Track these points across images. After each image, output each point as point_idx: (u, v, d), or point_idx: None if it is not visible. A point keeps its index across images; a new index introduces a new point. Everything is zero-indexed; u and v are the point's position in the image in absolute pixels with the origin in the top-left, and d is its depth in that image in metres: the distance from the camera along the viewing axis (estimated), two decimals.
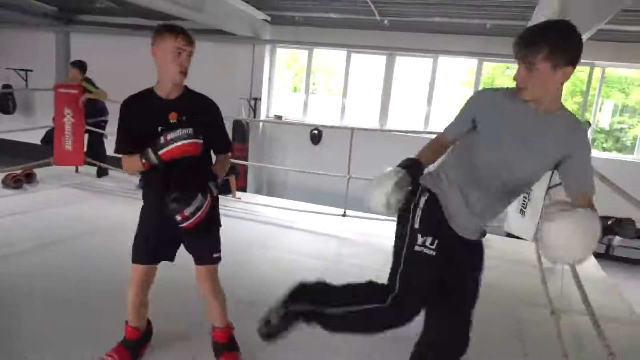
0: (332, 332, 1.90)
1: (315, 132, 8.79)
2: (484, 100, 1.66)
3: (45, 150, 5.94)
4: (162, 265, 2.14)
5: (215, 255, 2.09)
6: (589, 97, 8.06)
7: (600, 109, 8.30)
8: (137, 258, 2.06)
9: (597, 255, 4.73)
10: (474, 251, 1.79)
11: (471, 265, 1.78)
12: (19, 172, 5.15)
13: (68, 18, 9.89)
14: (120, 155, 2.01)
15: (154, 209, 2.03)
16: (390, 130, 8.29)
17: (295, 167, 8.15)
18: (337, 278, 3.41)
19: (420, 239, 1.68)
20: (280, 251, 3.91)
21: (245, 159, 8.29)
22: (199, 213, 1.89)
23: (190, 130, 1.83)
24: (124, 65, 9.11)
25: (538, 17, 6.08)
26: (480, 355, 2.41)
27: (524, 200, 3.16)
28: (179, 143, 1.81)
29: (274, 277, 3.31)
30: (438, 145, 1.83)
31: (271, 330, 1.93)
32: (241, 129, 8.61)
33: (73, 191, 5.23)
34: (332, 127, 8.27)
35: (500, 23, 7.14)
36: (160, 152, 1.83)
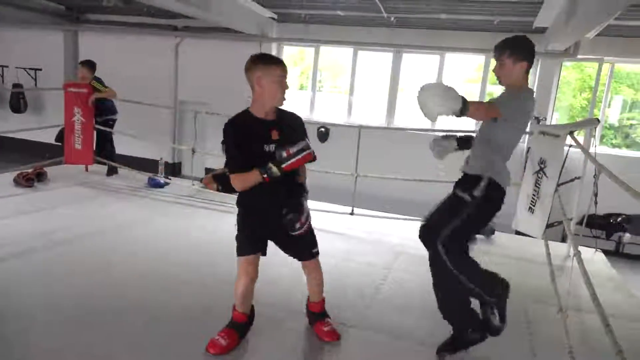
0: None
1: (322, 130, 8.79)
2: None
3: (57, 148, 6.00)
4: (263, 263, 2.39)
5: (314, 251, 2.46)
6: (598, 93, 7.99)
7: (610, 104, 8.23)
8: (242, 251, 2.33)
9: (607, 253, 4.71)
10: None
11: None
12: (30, 170, 5.22)
13: (76, 17, 9.96)
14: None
15: (259, 212, 2.31)
16: (397, 128, 8.27)
17: None
18: (346, 276, 3.44)
19: None
20: None
21: None
22: (310, 219, 2.28)
23: (306, 143, 2.17)
24: (132, 63, 9.17)
25: (545, 13, 6.05)
26: (488, 352, 2.42)
27: (533, 198, 3.15)
28: (300, 156, 2.13)
29: (280, 275, 3.34)
30: None
31: (494, 329, 2.28)
32: None
33: (83, 190, 5.28)
34: (339, 125, 8.27)
35: (507, 19, 7.09)
36: (284, 165, 2.12)
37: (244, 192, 2.30)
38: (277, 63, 2.19)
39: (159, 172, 5.98)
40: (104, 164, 5.92)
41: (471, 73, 8.98)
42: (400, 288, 3.29)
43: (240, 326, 2.42)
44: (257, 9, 7.97)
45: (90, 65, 5.79)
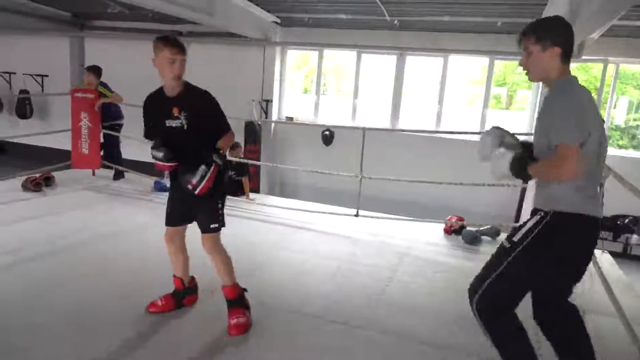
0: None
1: (327, 133, 8.81)
2: None
3: (64, 153, 6.06)
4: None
5: (212, 226, 2.48)
6: (604, 94, 7.96)
7: (615, 105, 8.19)
8: (165, 222, 2.63)
9: (615, 254, 4.68)
10: None
11: None
12: (38, 175, 5.27)
13: (82, 24, 10.06)
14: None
15: (172, 187, 2.66)
16: (401, 130, 8.27)
17: (308, 168, 8.19)
18: (351, 278, 3.44)
19: None
20: (293, 252, 3.94)
21: (258, 160, 8.35)
22: (204, 181, 2.32)
23: (203, 169, 2.32)
24: (137, 68, 9.21)
25: (549, 13, 6.04)
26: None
27: None
28: (205, 180, 2.32)
29: (286, 277, 3.35)
30: None
31: None
32: (253, 130, 8.67)
33: (90, 194, 5.32)
34: (343, 127, 8.28)
35: (511, 21, 7.09)
36: (196, 192, 2.34)
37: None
38: (168, 45, 2.29)
39: (165, 176, 6.01)
40: (111, 168, 5.96)
41: (475, 75, 8.97)
42: (405, 290, 3.28)
43: (176, 292, 2.72)
44: (261, 13, 8.02)
45: (96, 70, 5.85)
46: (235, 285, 2.59)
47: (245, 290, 2.64)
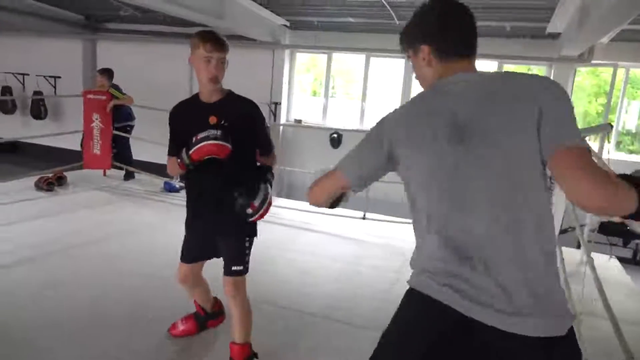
0: None
1: (335, 136, 8.84)
2: None
3: (76, 154, 6.16)
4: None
5: (235, 269, 2.07)
6: (614, 99, 7.91)
7: (627, 110, 8.13)
8: (181, 257, 2.23)
9: (624, 260, 4.66)
10: None
11: None
12: (50, 175, 5.36)
13: (94, 27, 10.20)
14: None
15: (193, 215, 2.14)
16: None
17: (315, 170, 8.22)
18: (357, 279, 3.47)
19: None
20: (298, 253, 3.98)
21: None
22: (266, 204, 1.96)
23: (219, 132, 1.87)
24: (148, 71, 9.35)
25: (557, 17, 6.03)
26: None
27: None
28: (205, 143, 1.85)
29: (290, 277, 3.38)
30: None
31: None
32: None
33: (101, 194, 5.41)
34: (352, 130, 8.30)
35: (520, 25, 7.09)
36: (190, 152, 1.90)
37: (186, 186, 2.18)
38: (203, 40, 1.91)
39: (175, 177, 6.09)
40: (122, 168, 6.05)
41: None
42: None
43: (198, 315, 2.51)
44: (270, 16, 8.08)
45: (108, 73, 5.95)
46: (247, 346, 2.15)
47: (255, 355, 2.19)
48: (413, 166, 1.19)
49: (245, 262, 2.10)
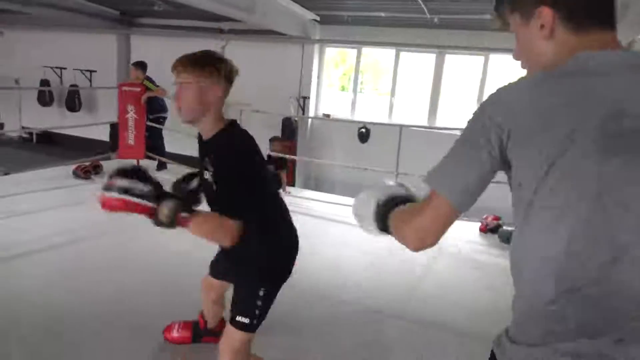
0: None
1: (363, 130, 8.82)
2: None
3: (109, 144, 6.36)
4: None
5: (239, 319, 1.67)
6: None
7: None
8: (209, 267, 2.17)
9: None
10: None
11: None
12: (87, 164, 5.56)
13: (129, 21, 10.47)
14: None
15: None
16: (439, 128, 8.19)
17: (343, 164, 8.24)
18: (386, 272, 3.47)
19: None
20: (325, 244, 4.01)
21: (294, 155, 8.47)
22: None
23: (147, 188, 1.44)
24: None
25: None
26: None
27: None
28: (113, 195, 1.46)
29: (320, 267, 3.42)
30: None
31: None
32: (290, 126, 8.82)
33: None
34: (380, 124, 8.28)
35: None
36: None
37: None
38: (175, 65, 1.60)
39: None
40: (154, 159, 6.20)
41: (517, 74, 8.76)
42: (440, 284, 3.30)
43: (196, 327, 2.37)
44: (301, 10, 8.12)
45: (142, 66, 6.11)
46: None
47: None
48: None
49: (254, 316, 1.66)
